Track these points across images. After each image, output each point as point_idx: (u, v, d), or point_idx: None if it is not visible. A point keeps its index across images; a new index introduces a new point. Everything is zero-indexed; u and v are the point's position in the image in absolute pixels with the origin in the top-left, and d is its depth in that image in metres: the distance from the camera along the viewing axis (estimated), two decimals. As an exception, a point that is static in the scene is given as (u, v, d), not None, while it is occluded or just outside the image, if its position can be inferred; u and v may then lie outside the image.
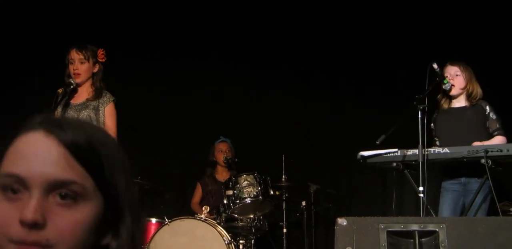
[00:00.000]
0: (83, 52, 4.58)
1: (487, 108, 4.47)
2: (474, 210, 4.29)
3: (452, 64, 4.55)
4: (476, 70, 4.64)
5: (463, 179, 4.42)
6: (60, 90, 4.46)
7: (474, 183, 4.37)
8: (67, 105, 4.57)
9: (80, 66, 4.58)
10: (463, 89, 4.53)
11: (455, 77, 4.50)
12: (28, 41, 6.36)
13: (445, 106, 4.62)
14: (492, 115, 4.46)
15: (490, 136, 4.43)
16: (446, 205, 4.44)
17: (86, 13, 6.43)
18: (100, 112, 4.59)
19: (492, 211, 4.36)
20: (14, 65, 6.35)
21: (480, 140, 4.33)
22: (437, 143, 4.56)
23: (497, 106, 4.57)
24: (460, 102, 4.60)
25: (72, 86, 4.53)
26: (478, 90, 4.53)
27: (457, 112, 4.54)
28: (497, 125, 4.44)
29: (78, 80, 4.56)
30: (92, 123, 1.72)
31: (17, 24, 6.41)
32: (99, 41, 4.93)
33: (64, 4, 6.40)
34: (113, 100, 4.64)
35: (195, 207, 5.96)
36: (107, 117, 4.60)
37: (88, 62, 4.60)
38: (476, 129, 4.45)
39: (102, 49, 4.67)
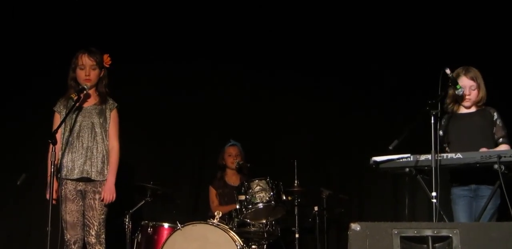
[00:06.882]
0: (95, 58, 4.63)
1: (495, 114, 4.46)
2: (487, 216, 4.27)
3: (469, 76, 4.47)
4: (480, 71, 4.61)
5: (473, 186, 4.40)
6: (74, 96, 4.51)
7: (484, 189, 4.35)
8: (78, 109, 4.61)
9: (92, 72, 4.63)
10: (477, 101, 4.51)
11: (472, 91, 4.47)
12: (28, 44, 6.35)
13: (454, 111, 4.58)
14: (499, 122, 4.44)
15: (496, 143, 4.42)
16: (462, 212, 4.41)
17: (87, 17, 6.40)
18: (107, 117, 4.64)
19: (505, 217, 4.34)
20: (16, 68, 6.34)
21: (488, 145, 4.31)
22: (447, 149, 4.53)
23: (500, 107, 4.55)
24: (468, 108, 4.57)
25: (85, 92, 4.58)
26: (485, 96, 4.52)
27: (465, 117, 4.52)
28: (503, 133, 4.43)
29: (88, 84, 4.61)
30: None
31: (17, 28, 6.43)
32: (104, 45, 4.96)
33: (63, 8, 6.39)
34: (116, 107, 4.72)
35: (218, 209, 5.81)
36: (112, 123, 4.67)
37: (98, 68, 4.65)
38: (484, 134, 4.43)
39: (108, 55, 4.72)
